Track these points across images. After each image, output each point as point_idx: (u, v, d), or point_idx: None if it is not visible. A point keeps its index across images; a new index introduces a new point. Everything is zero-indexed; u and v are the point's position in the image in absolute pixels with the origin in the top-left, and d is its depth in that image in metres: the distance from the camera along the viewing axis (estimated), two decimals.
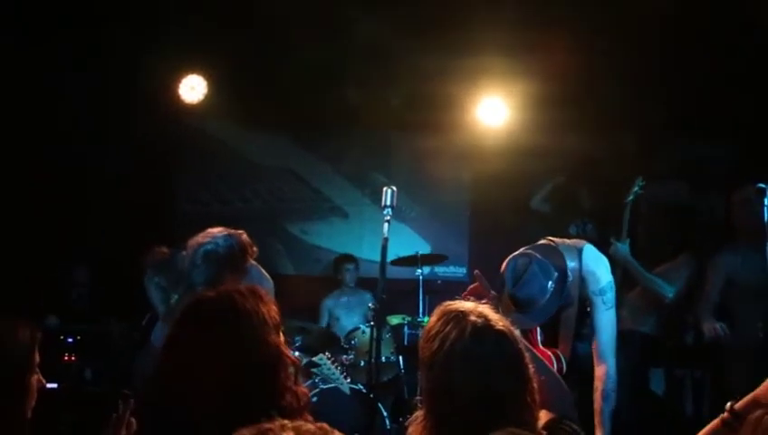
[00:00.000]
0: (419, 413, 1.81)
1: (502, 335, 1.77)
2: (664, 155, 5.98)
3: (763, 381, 1.76)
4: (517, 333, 1.92)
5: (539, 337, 3.29)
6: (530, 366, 1.78)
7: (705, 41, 5.12)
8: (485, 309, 1.82)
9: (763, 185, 3.37)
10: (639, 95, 5.70)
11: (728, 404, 1.71)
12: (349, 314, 5.92)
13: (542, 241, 3.29)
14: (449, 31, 5.41)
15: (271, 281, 3.58)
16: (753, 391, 1.75)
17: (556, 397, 2.11)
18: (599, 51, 5.37)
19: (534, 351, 2.93)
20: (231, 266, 3.29)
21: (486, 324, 1.77)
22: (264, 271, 3.59)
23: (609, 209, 5.70)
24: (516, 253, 3.14)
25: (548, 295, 3.04)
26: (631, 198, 4.65)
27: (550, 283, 3.05)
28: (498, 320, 1.80)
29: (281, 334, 1.76)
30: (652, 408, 4.98)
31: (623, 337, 3.86)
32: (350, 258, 6.17)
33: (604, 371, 3.17)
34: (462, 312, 1.79)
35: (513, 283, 3.04)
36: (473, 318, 1.77)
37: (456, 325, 1.77)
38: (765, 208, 3.32)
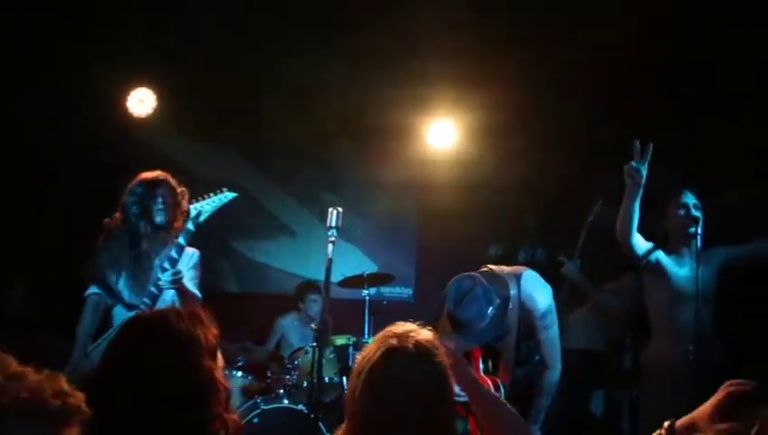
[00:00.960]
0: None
1: (412, 358, 1.70)
2: (609, 179, 6.10)
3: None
4: (456, 356, 1.93)
5: (481, 365, 3.37)
6: (448, 392, 1.73)
7: (647, 68, 5.22)
8: (420, 332, 1.78)
9: (697, 213, 3.50)
10: (586, 120, 5.79)
11: (667, 423, 1.74)
12: (303, 340, 5.84)
13: (483, 269, 3.34)
14: (400, 52, 5.49)
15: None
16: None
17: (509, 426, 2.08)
18: (546, 78, 5.47)
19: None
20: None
21: (400, 346, 1.71)
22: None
23: (557, 233, 5.83)
24: (462, 275, 3.19)
25: (486, 321, 3.09)
26: (591, 218, 4.76)
27: (490, 308, 3.10)
28: (420, 343, 1.73)
29: (216, 359, 1.73)
30: (592, 427, 5.08)
31: (572, 356, 3.95)
32: (315, 287, 5.85)
33: (546, 374, 3.29)
34: (391, 334, 1.76)
35: (454, 303, 3.10)
36: (392, 341, 1.73)
37: (375, 346, 1.75)
38: (699, 236, 3.43)
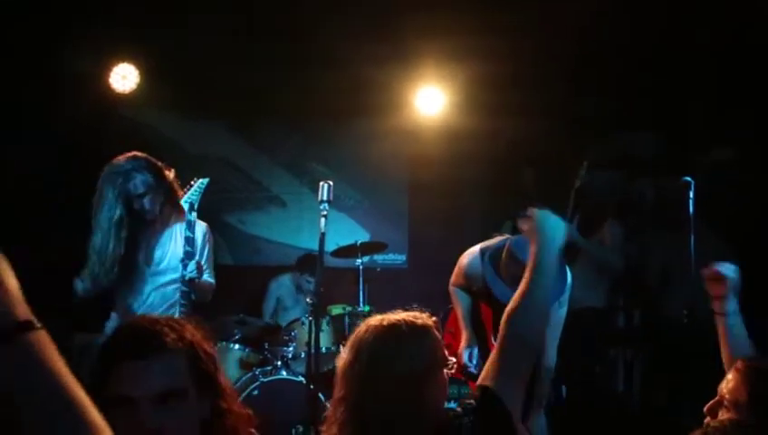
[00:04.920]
0: None
1: (383, 330, 1.76)
2: (599, 143, 6.13)
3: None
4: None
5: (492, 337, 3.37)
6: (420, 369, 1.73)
7: (636, 32, 5.24)
8: (405, 314, 1.82)
9: (688, 178, 3.50)
10: (575, 86, 5.80)
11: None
12: (297, 303, 5.88)
13: (497, 237, 3.37)
14: (385, 18, 5.42)
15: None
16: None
17: None
18: (535, 41, 5.44)
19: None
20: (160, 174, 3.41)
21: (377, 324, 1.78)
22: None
23: (550, 193, 5.85)
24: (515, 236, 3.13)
25: None
26: (578, 183, 4.84)
27: None
28: (400, 319, 1.78)
29: None
30: (588, 387, 5.14)
31: (574, 315, 3.98)
32: (311, 270, 5.57)
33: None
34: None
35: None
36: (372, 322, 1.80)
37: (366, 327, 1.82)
38: (691, 201, 3.45)
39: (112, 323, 3.50)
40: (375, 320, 1.79)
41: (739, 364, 1.90)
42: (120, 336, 1.54)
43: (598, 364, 5.21)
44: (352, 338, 1.78)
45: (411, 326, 1.76)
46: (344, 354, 1.78)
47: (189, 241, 3.38)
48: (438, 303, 3.75)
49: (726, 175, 5.00)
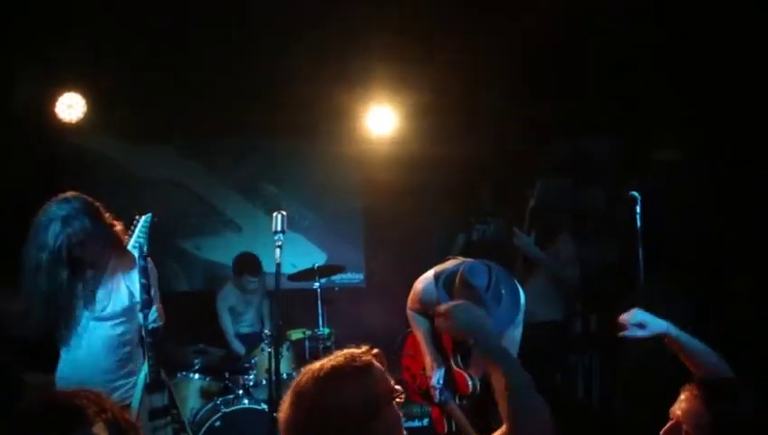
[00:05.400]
0: None
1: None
2: (549, 151, 6.22)
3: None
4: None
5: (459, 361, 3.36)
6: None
7: (585, 40, 5.31)
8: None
9: (635, 193, 3.58)
10: (524, 95, 5.82)
11: None
12: (246, 304, 5.81)
13: (450, 260, 3.33)
14: (338, 39, 5.42)
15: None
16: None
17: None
18: (482, 55, 5.45)
19: None
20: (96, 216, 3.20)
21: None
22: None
23: (507, 207, 5.91)
24: (480, 261, 3.14)
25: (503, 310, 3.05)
26: (532, 203, 5.00)
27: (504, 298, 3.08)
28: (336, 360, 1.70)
29: None
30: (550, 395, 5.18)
31: (541, 329, 4.00)
32: (252, 268, 5.64)
33: None
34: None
35: (486, 285, 2.99)
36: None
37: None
38: (638, 215, 3.53)
39: (63, 365, 3.38)
40: (315, 366, 1.70)
41: (694, 388, 1.89)
42: (41, 412, 1.48)
43: (558, 373, 5.26)
44: (292, 388, 1.69)
45: (350, 368, 1.67)
46: (284, 406, 1.68)
47: (145, 288, 3.20)
48: (399, 320, 3.75)
49: (674, 176, 5.12)
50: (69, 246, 3.13)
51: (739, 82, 4.82)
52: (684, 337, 2.32)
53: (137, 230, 3.26)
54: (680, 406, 1.89)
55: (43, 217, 3.15)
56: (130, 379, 3.38)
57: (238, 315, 5.84)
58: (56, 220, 3.12)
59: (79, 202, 3.19)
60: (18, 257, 3.24)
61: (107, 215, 3.29)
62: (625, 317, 2.46)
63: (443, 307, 2.15)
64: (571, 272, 4.97)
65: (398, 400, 1.73)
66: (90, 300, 3.30)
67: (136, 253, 3.20)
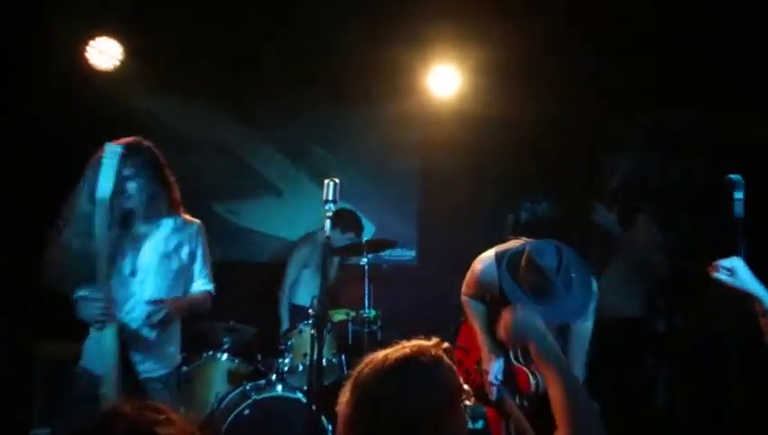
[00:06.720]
0: None
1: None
2: (627, 123, 5.70)
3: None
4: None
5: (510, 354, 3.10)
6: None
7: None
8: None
9: (737, 176, 2.92)
10: (598, 62, 5.45)
11: None
12: (317, 274, 5.08)
13: (513, 240, 3.02)
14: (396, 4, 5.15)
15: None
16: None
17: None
18: (557, 16, 5.09)
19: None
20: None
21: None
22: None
23: (567, 180, 5.36)
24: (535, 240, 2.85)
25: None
26: (614, 183, 4.61)
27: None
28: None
29: None
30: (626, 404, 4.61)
31: (607, 325, 3.46)
32: (357, 227, 5.29)
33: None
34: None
35: (557, 268, 2.67)
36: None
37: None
38: (737, 202, 2.86)
39: (92, 342, 3.08)
40: (378, 357, 1.62)
41: None
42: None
43: (634, 377, 4.66)
44: (353, 378, 1.62)
45: (419, 363, 1.59)
46: (343, 398, 1.62)
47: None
48: (453, 305, 3.41)
49: None
50: (119, 179, 2.87)
51: None
52: None
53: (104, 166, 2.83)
54: None
55: (105, 158, 2.83)
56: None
57: (303, 282, 5.25)
58: (114, 154, 2.83)
59: (142, 143, 3.08)
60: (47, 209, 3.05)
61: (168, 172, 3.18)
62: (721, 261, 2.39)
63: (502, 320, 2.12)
64: (658, 258, 4.38)
65: (466, 402, 1.68)
66: (135, 262, 3.10)
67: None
